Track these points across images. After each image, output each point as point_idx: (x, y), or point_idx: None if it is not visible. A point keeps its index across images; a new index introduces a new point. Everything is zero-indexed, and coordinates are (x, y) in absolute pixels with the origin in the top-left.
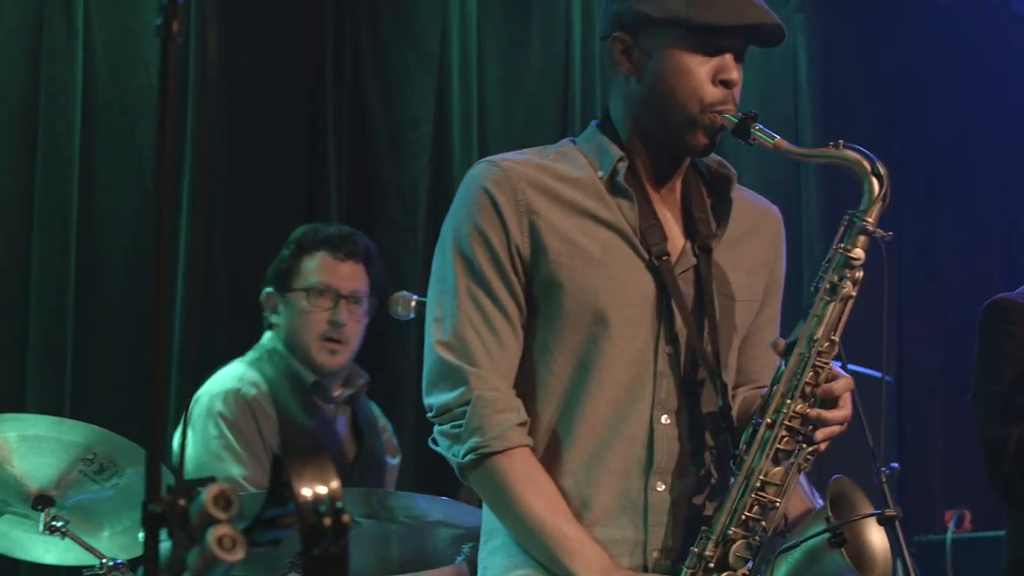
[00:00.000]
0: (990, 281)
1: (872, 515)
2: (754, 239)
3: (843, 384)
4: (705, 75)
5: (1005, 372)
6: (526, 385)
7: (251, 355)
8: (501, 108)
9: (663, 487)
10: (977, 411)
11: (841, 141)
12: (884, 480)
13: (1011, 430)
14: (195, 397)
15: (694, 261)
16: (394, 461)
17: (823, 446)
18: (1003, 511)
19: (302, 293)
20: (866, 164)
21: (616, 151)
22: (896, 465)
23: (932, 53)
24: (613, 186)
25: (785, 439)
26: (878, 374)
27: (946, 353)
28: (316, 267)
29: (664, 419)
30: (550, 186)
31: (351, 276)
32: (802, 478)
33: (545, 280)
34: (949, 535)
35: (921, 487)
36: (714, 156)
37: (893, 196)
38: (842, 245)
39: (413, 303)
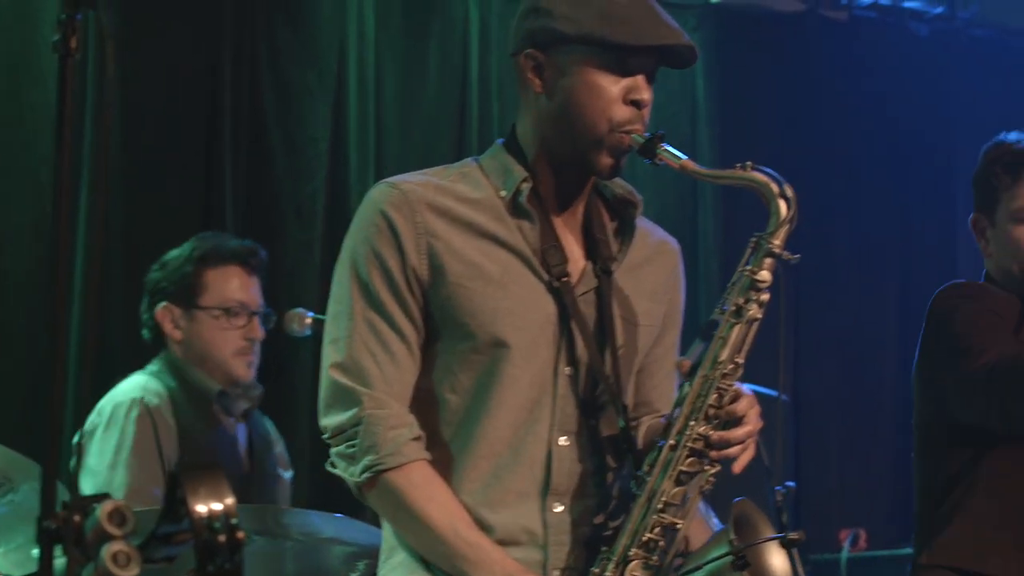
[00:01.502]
0: (885, 300)
1: (775, 538)
2: (653, 267)
3: (746, 403)
4: (616, 95)
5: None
6: (427, 406)
7: (152, 367)
8: (399, 125)
9: (561, 508)
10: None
11: (749, 163)
12: (780, 499)
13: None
14: (97, 408)
15: (595, 283)
16: (287, 475)
17: (737, 468)
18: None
19: (218, 311)
20: (774, 186)
21: (520, 171)
22: (792, 484)
23: (828, 71)
24: (515, 207)
25: (688, 461)
26: (774, 393)
27: (842, 372)
28: (228, 284)
29: (563, 440)
30: (450, 208)
31: (258, 291)
32: (703, 507)
33: (445, 302)
34: (844, 554)
35: (816, 506)
36: (620, 182)
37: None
38: (748, 267)
39: (308, 320)
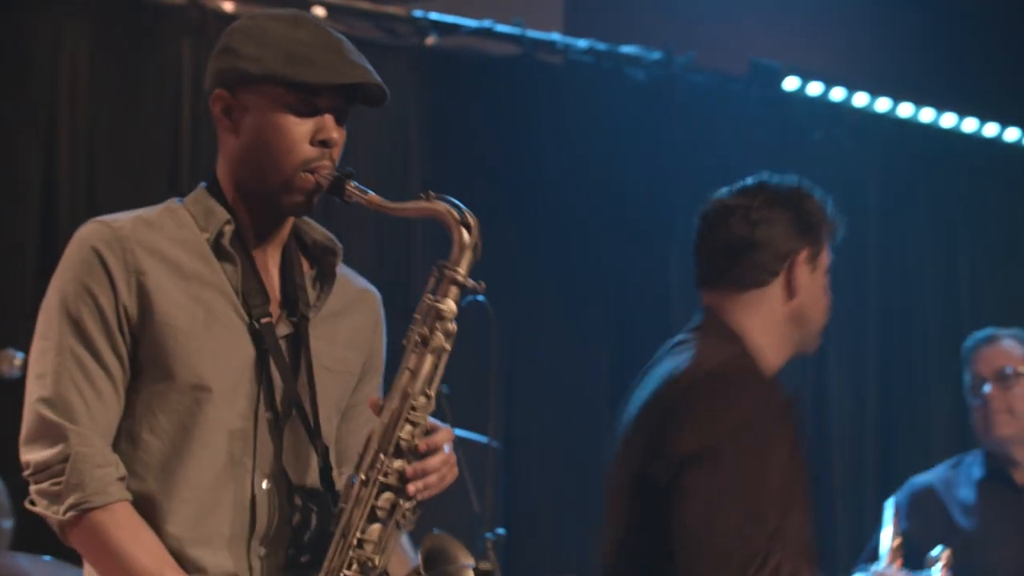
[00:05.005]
0: (598, 347)
1: (466, 567)
2: (353, 316)
3: (442, 436)
4: (302, 134)
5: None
6: (128, 445)
7: None
8: (111, 164)
9: (265, 552)
10: None
11: (431, 192)
12: (490, 546)
13: None
14: None
15: (290, 329)
16: (8, 524)
17: (420, 497)
18: None
19: None
20: (455, 214)
21: (223, 214)
22: (502, 531)
23: (543, 115)
24: (218, 248)
25: (382, 496)
26: (484, 439)
27: (554, 419)
28: None
29: (265, 485)
30: (159, 247)
31: None
32: (405, 540)
33: (151, 341)
34: None
35: (527, 553)
36: (320, 228)
37: (503, 258)
38: (432, 296)
39: (17, 361)
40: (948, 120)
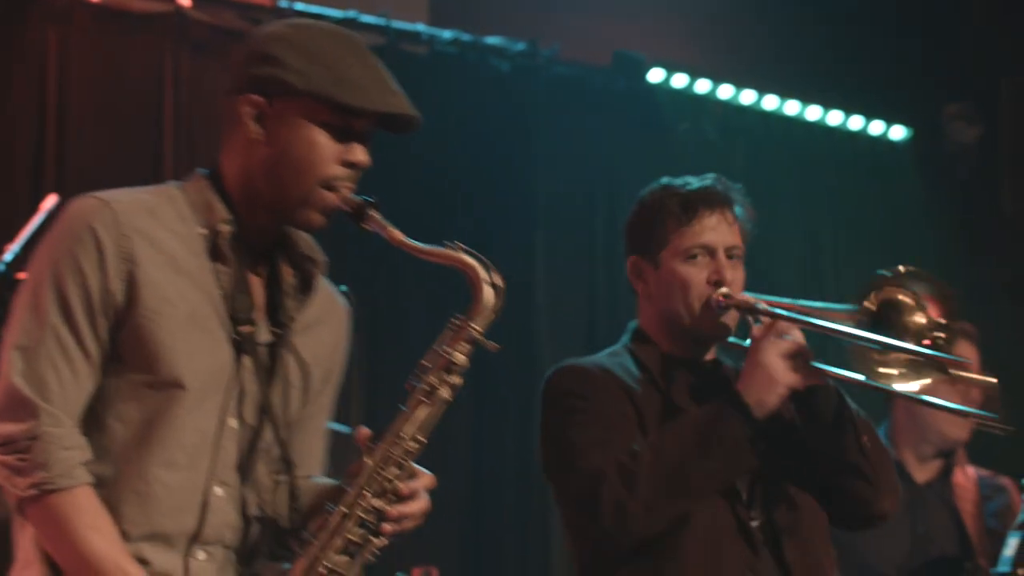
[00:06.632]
0: None
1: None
2: (324, 327)
3: (425, 482)
4: (333, 154)
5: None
6: (92, 428)
7: None
8: None
9: (204, 556)
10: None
11: (458, 243)
12: None
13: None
14: None
15: (270, 338)
16: None
17: (390, 535)
18: None
19: None
20: (482, 272)
21: (224, 212)
22: None
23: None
24: (213, 248)
25: (358, 532)
26: (347, 429)
27: None
28: None
29: (219, 491)
30: (158, 238)
31: None
32: None
33: (133, 331)
34: None
35: (389, 544)
36: (305, 238)
37: (366, 249)
38: (446, 348)
39: None
40: (813, 113)
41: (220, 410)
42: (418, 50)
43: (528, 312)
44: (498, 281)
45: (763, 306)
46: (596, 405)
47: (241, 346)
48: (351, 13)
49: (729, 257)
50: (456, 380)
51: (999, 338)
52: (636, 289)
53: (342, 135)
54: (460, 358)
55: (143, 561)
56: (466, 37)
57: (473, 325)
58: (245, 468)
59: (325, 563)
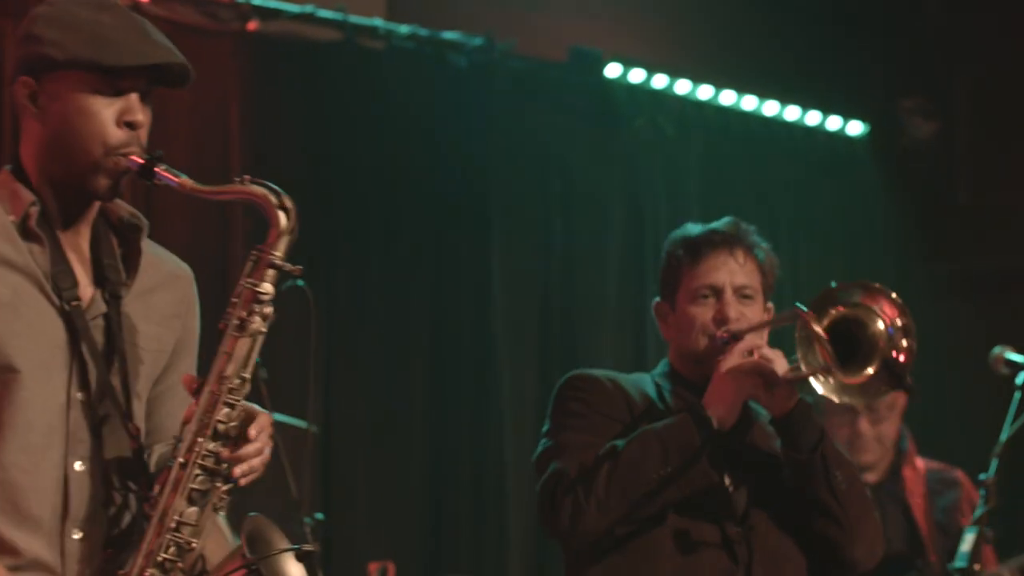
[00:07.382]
0: (417, 331)
1: (289, 550)
2: (164, 293)
3: (261, 422)
4: (109, 117)
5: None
6: None
7: None
8: None
9: (79, 535)
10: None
11: (247, 176)
12: (309, 531)
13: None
14: None
15: (104, 308)
16: None
17: (243, 482)
18: None
19: None
20: (272, 198)
21: (28, 196)
22: (320, 516)
23: (365, 100)
24: (24, 230)
25: (199, 478)
26: (303, 424)
27: (372, 404)
28: None
29: (78, 466)
30: None
31: None
32: (225, 526)
33: None
34: None
35: (346, 538)
36: (126, 206)
37: (324, 244)
38: (250, 280)
39: None
40: (771, 108)
41: (64, 386)
42: (375, 45)
43: (484, 308)
44: (288, 204)
45: (734, 328)
46: (595, 413)
47: (72, 320)
48: (308, 8)
49: (742, 297)
50: (267, 310)
51: (954, 331)
52: (661, 331)
53: (113, 96)
54: (267, 287)
55: (14, 551)
56: (423, 32)
57: (273, 252)
58: (99, 439)
59: (175, 517)
